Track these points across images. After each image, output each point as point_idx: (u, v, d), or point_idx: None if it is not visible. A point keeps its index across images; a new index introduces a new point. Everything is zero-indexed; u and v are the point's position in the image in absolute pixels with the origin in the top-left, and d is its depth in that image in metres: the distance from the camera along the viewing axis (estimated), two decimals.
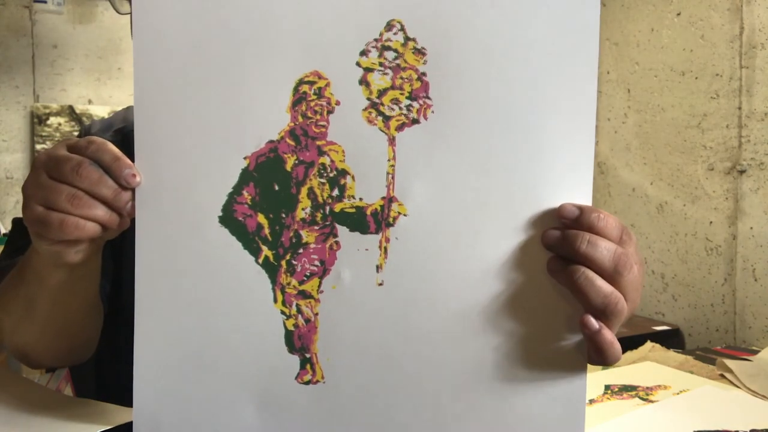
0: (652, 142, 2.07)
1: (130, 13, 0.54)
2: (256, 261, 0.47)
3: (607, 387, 1.33)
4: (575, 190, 0.48)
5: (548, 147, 0.47)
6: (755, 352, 1.60)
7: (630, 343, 1.78)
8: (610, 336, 0.46)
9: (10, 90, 2.24)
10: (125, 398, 0.60)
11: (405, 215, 0.46)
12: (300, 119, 0.46)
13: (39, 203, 0.50)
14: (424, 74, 0.45)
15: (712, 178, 1.86)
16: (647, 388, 1.33)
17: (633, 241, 0.50)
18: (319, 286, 0.48)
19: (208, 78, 0.47)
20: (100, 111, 2.28)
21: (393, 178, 0.46)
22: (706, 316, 1.88)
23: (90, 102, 2.33)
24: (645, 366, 1.51)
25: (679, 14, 1.96)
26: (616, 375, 1.42)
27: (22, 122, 2.26)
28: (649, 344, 1.71)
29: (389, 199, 0.46)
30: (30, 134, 2.25)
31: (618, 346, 0.46)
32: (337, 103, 0.46)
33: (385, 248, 0.46)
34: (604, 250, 0.45)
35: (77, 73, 2.33)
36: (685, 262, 1.95)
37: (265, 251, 0.48)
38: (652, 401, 1.24)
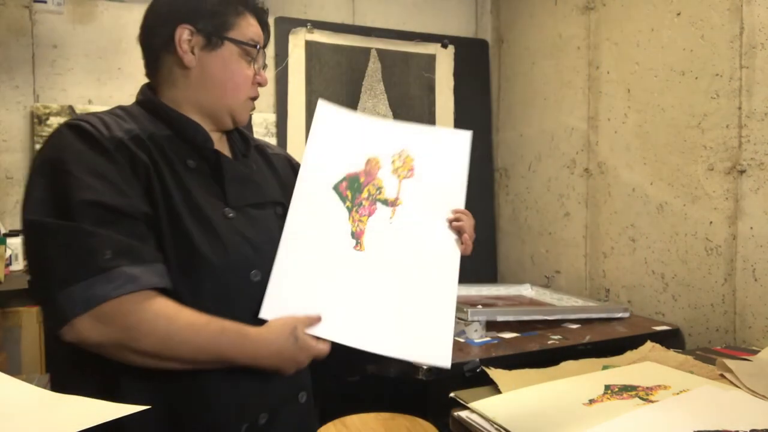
0: (652, 142, 2.07)
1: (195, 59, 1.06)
2: (344, 205, 1.13)
3: (607, 387, 1.33)
4: (459, 204, 1.19)
5: (447, 190, 1.20)
6: (755, 352, 1.60)
7: (630, 343, 1.78)
8: (470, 246, 1.15)
9: (10, 90, 2.24)
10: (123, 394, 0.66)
11: (401, 204, 1.16)
12: (367, 168, 1.17)
13: None
14: (413, 164, 1.18)
15: (712, 178, 1.86)
16: (647, 388, 1.33)
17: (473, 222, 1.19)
18: (367, 219, 1.13)
19: (337, 151, 1.18)
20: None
21: (399, 191, 1.16)
22: (706, 316, 1.88)
23: (90, 102, 2.33)
24: (645, 366, 1.51)
25: (679, 14, 1.96)
26: (616, 375, 1.42)
27: (22, 122, 2.26)
28: (649, 344, 1.71)
29: (396, 198, 1.16)
30: (30, 134, 2.25)
31: (470, 248, 1.16)
32: (381, 167, 1.18)
33: (393, 211, 1.15)
34: (471, 227, 1.16)
35: (77, 73, 2.33)
36: (685, 262, 1.95)
37: (347, 203, 1.13)
38: (652, 401, 1.24)
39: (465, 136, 1.23)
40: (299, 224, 1.09)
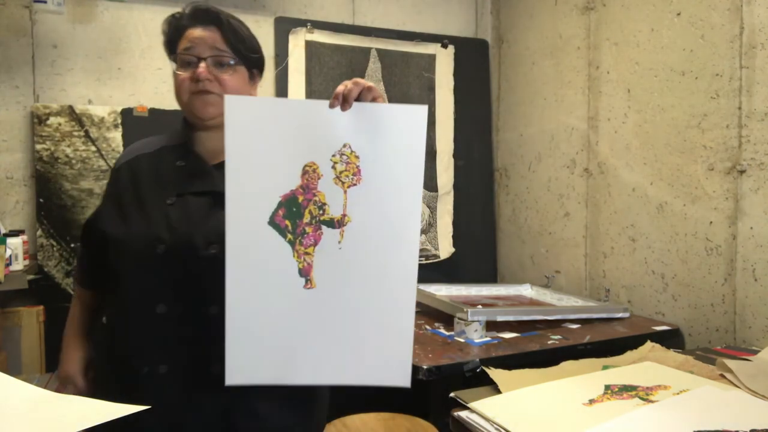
0: (652, 142, 2.07)
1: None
2: (285, 240, 1.03)
3: (607, 387, 1.33)
4: (416, 199, 1.07)
5: (400, 190, 1.05)
6: (755, 352, 1.60)
7: (630, 343, 1.78)
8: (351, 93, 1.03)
9: (10, 90, 2.24)
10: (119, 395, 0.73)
11: (350, 221, 1.04)
12: (305, 181, 1.03)
13: None
14: (358, 165, 1.03)
15: (712, 178, 1.86)
16: (647, 388, 1.33)
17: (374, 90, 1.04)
18: (314, 249, 1.04)
19: (264, 161, 1.02)
20: (100, 111, 2.28)
21: (345, 206, 1.03)
22: (706, 316, 1.88)
23: (90, 102, 2.33)
24: (645, 366, 1.51)
25: (679, 14, 1.96)
26: (616, 375, 1.42)
27: (22, 122, 2.26)
28: (649, 344, 1.71)
29: (343, 215, 1.04)
30: (30, 134, 2.25)
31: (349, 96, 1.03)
32: (321, 175, 1.03)
33: (342, 233, 1.04)
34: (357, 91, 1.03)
35: (77, 73, 2.33)
36: (685, 262, 1.95)
37: (289, 236, 1.03)
38: (652, 401, 1.24)
39: (420, 113, 1.02)
40: (241, 273, 1.01)
